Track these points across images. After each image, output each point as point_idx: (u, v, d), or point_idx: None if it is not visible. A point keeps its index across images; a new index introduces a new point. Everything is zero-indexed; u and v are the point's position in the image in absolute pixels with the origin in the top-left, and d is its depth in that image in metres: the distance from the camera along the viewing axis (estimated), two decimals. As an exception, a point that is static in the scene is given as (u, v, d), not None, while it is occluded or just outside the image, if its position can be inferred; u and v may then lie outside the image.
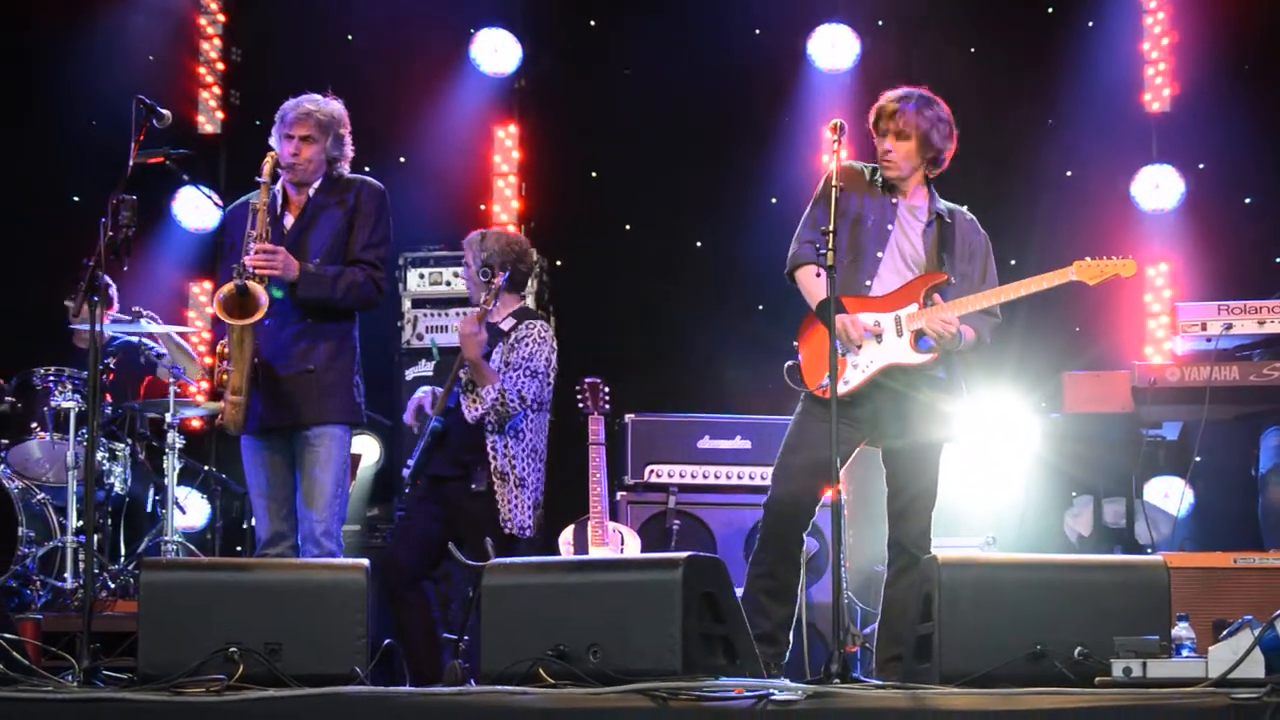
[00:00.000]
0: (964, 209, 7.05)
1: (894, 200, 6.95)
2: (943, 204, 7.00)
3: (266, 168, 7.20)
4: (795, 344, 6.91)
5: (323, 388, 7.18)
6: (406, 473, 7.98)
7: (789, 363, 6.89)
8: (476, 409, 7.72)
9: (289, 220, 7.33)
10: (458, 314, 9.85)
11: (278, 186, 7.31)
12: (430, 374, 8.72)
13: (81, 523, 8.42)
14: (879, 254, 6.88)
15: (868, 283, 6.85)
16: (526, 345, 7.86)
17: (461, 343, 7.74)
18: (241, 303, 7.03)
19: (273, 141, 7.30)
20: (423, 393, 8.07)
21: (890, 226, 6.91)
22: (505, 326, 7.94)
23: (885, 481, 6.92)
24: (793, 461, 6.78)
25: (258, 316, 7.00)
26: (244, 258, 7.08)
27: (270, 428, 7.19)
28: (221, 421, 7.23)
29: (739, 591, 5.97)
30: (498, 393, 7.71)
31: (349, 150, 7.41)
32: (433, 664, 7.38)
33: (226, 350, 7.13)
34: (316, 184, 7.34)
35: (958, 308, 6.79)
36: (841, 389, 6.63)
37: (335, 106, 7.36)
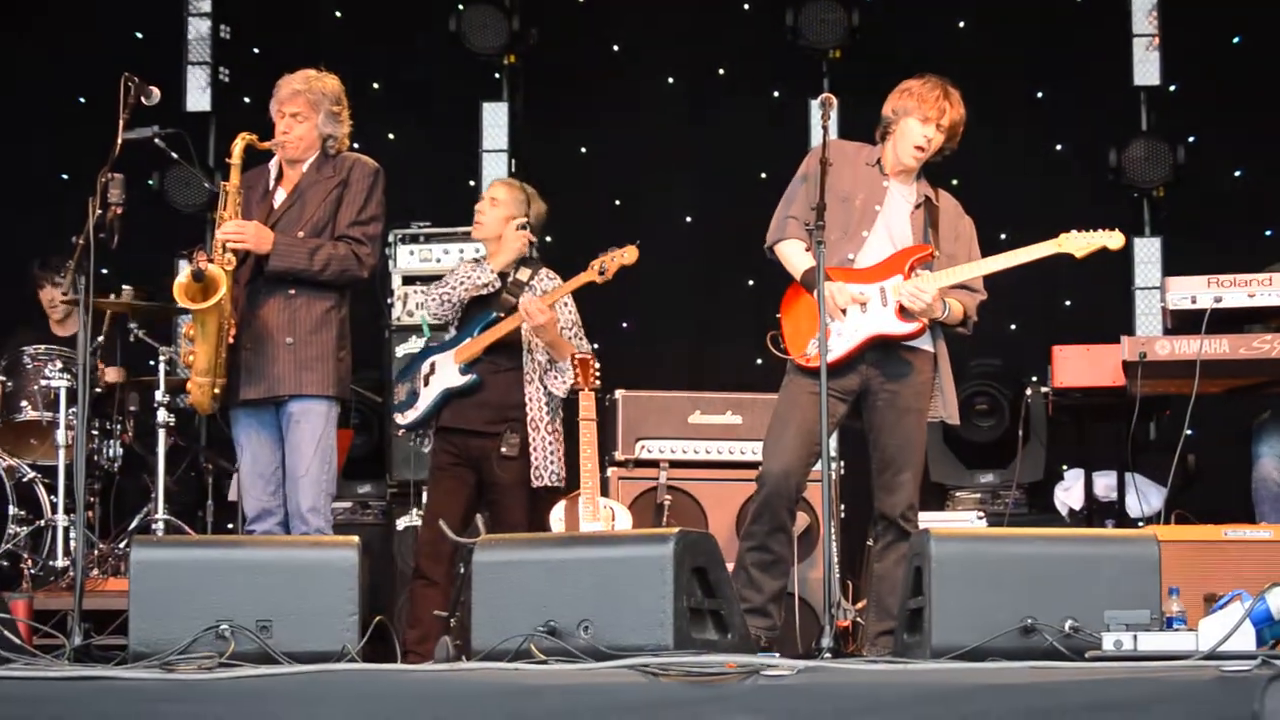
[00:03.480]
0: (953, 183, 7.05)
1: (885, 183, 6.94)
2: (928, 186, 7.01)
3: (236, 149, 7.20)
4: (778, 315, 6.91)
5: (301, 361, 7.16)
6: (406, 419, 7.95)
7: (772, 332, 6.89)
8: (565, 380, 7.85)
9: (281, 196, 7.33)
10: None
11: (273, 163, 7.33)
12: (415, 350, 8.70)
13: (71, 500, 8.41)
14: (864, 233, 6.88)
15: (850, 256, 6.85)
16: (564, 300, 7.98)
17: (540, 333, 7.79)
18: (201, 287, 7.02)
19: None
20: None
21: (878, 207, 6.91)
22: (523, 278, 8.00)
23: (870, 454, 6.93)
24: (783, 434, 6.81)
25: (215, 299, 6.98)
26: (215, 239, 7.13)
27: (249, 400, 7.19)
28: (189, 403, 7.24)
29: (730, 566, 5.97)
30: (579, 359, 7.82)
31: (345, 127, 7.39)
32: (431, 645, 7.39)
33: (191, 333, 7.13)
34: (310, 161, 7.33)
35: (938, 279, 6.79)
36: (828, 358, 6.63)
37: (328, 84, 7.34)
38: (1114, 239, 6.92)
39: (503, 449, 7.80)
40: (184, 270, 7.12)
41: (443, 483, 7.94)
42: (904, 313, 6.78)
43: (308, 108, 7.25)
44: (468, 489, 7.89)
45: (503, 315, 7.92)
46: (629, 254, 7.79)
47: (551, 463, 7.87)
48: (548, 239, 10.77)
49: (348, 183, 7.28)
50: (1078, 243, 6.88)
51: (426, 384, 7.95)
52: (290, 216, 7.25)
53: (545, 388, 7.87)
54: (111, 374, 9.07)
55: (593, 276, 7.79)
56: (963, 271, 6.84)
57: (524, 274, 8.00)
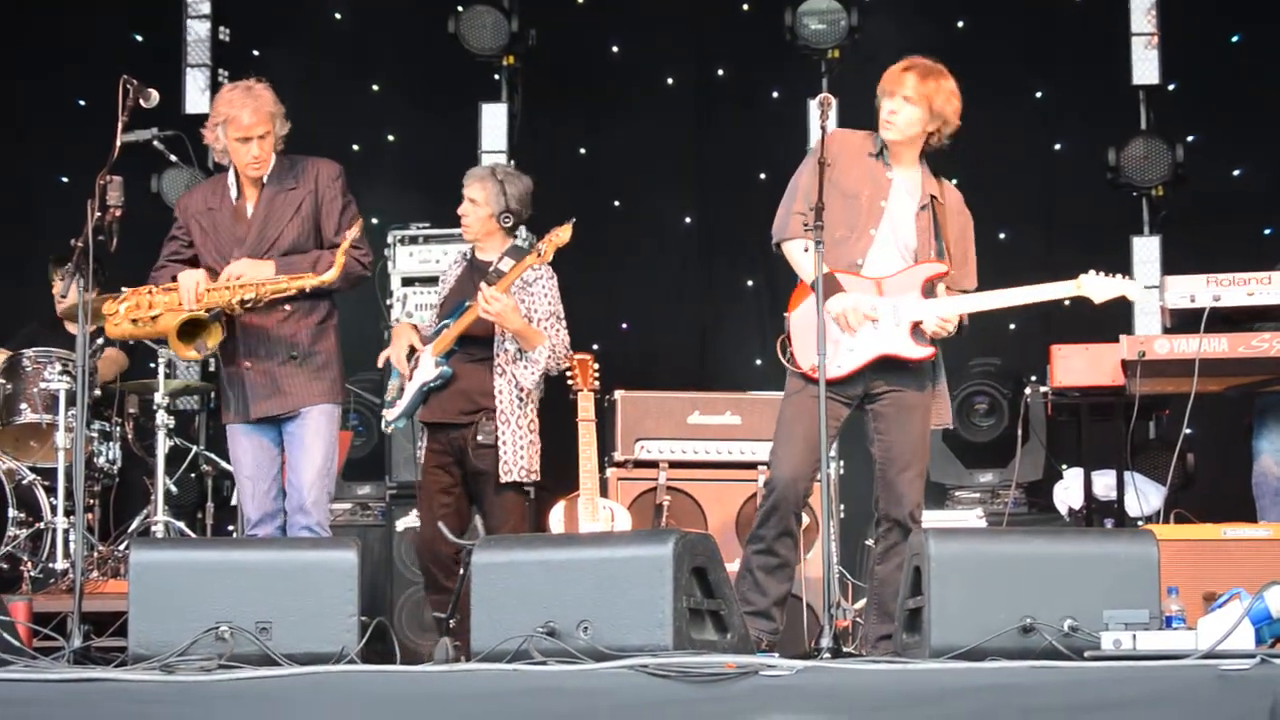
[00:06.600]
0: (952, 183, 7.03)
1: (889, 176, 6.91)
2: (932, 179, 6.97)
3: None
4: (785, 314, 6.89)
5: (308, 372, 7.20)
6: (391, 413, 7.86)
7: (781, 336, 6.88)
8: (533, 371, 7.69)
9: (250, 211, 7.28)
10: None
11: (230, 177, 7.29)
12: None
13: (71, 503, 8.41)
14: (872, 231, 6.84)
15: (859, 261, 6.83)
16: (542, 286, 7.79)
17: (501, 320, 7.58)
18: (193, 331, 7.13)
19: (209, 138, 7.25)
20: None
21: (883, 203, 6.88)
22: (505, 268, 7.79)
23: (874, 455, 6.91)
24: (791, 441, 6.80)
25: (202, 354, 7.15)
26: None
27: (260, 418, 7.21)
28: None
29: (730, 567, 5.96)
30: (549, 349, 7.68)
31: (288, 125, 7.34)
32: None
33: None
34: (269, 170, 7.29)
35: (959, 307, 6.79)
36: (836, 372, 6.64)
37: (269, 94, 7.27)
38: (1133, 289, 6.96)
39: (479, 436, 7.65)
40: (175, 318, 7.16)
41: (432, 482, 7.79)
42: (916, 334, 6.78)
43: (267, 122, 7.20)
44: (459, 485, 7.77)
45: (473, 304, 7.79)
46: (564, 232, 7.65)
47: (521, 458, 7.64)
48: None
49: (317, 191, 7.27)
50: (1096, 286, 6.88)
51: (411, 378, 7.86)
52: (267, 232, 7.23)
53: (515, 379, 7.73)
54: (109, 360, 9.12)
55: (534, 259, 7.68)
56: (981, 301, 6.84)
57: (506, 264, 7.81)
